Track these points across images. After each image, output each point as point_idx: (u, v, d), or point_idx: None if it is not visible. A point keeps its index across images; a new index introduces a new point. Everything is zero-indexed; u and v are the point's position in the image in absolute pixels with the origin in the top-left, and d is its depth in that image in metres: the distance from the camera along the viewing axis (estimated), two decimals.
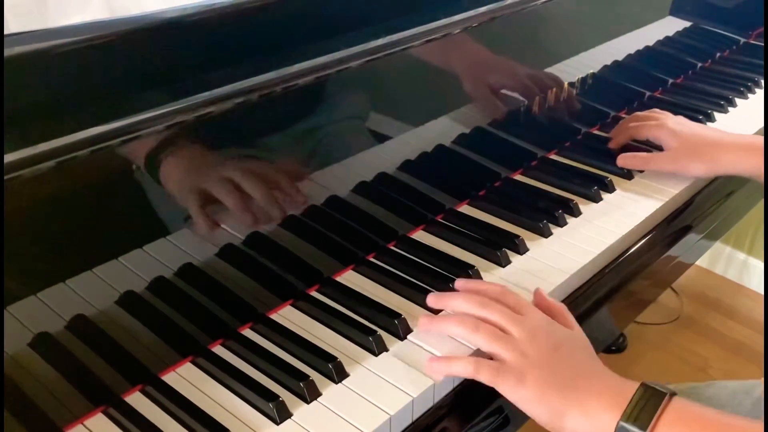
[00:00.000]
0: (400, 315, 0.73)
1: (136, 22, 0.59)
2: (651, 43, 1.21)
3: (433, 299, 0.75)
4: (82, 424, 0.63)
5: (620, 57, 1.15)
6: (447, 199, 0.93)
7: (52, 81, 0.57)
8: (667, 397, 0.61)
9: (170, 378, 0.68)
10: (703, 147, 0.95)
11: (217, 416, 0.64)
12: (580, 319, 0.80)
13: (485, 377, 0.65)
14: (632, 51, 1.17)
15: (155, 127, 0.60)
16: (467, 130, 0.95)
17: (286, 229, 0.77)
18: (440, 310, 0.75)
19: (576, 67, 1.07)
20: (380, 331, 0.72)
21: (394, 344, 0.71)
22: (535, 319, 0.69)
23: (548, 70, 1.03)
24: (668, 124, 0.99)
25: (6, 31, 0.54)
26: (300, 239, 0.79)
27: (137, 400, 0.66)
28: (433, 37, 0.80)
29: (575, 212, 0.92)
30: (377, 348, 0.70)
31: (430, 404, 0.68)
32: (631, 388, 0.63)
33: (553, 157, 1.05)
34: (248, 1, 0.65)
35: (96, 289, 0.64)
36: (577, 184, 0.96)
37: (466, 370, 0.66)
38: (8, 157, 0.53)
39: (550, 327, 0.69)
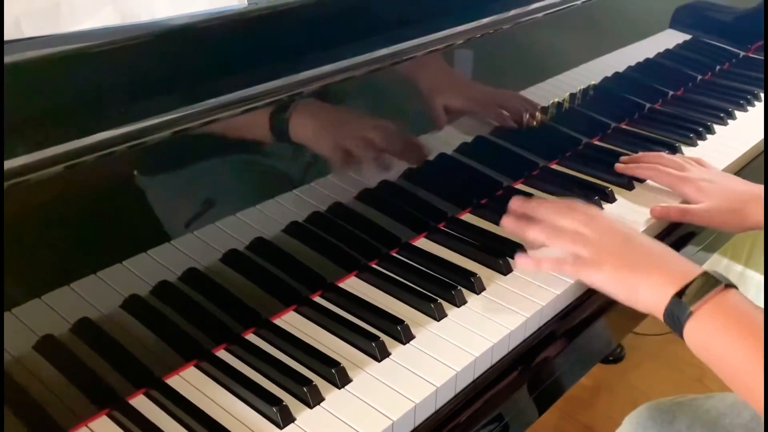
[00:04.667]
0: (403, 321, 0.74)
1: (147, 29, 0.59)
2: (651, 55, 1.22)
3: (518, 202, 0.85)
4: (87, 426, 0.64)
5: (621, 69, 1.16)
6: (449, 207, 0.94)
7: (64, 85, 0.58)
8: (721, 286, 0.68)
9: (174, 381, 0.68)
10: (732, 204, 0.93)
11: (221, 420, 0.64)
12: (579, 329, 0.81)
13: (569, 270, 0.78)
14: (633, 63, 1.18)
15: (161, 134, 0.61)
16: (469, 139, 0.95)
17: (290, 236, 0.77)
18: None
19: (577, 79, 1.08)
20: (383, 337, 0.72)
21: (396, 349, 0.72)
22: (603, 218, 0.80)
23: (549, 81, 1.04)
24: (694, 179, 0.95)
25: (20, 35, 0.55)
26: (304, 245, 0.79)
27: (141, 403, 0.66)
28: (434, 48, 0.81)
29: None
30: (380, 353, 0.71)
31: (432, 410, 0.68)
32: (696, 271, 0.70)
33: (555, 166, 1.06)
34: (257, 9, 0.65)
35: (101, 293, 0.64)
36: (579, 193, 0.96)
37: (549, 266, 0.79)
38: (17, 161, 0.54)
39: (618, 222, 0.80)
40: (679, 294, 0.68)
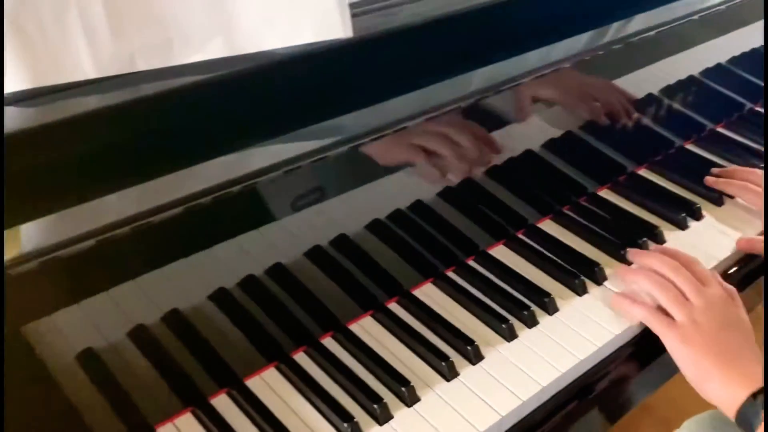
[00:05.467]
0: (474, 342, 0.76)
1: (255, 61, 0.61)
2: (757, 45, 1.14)
3: (632, 254, 0.86)
4: (173, 423, 0.69)
5: (723, 59, 1.11)
6: (530, 213, 0.94)
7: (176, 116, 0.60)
8: None
9: (254, 383, 0.72)
10: None
11: (293, 428, 0.68)
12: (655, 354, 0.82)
13: (656, 326, 0.77)
14: (737, 53, 1.12)
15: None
16: (558, 134, 0.94)
17: (372, 233, 0.79)
18: None
19: (675, 69, 1.04)
20: (453, 356, 0.74)
21: (465, 369, 0.74)
22: (714, 294, 0.78)
23: (646, 69, 0.99)
24: None
25: (133, 69, 0.57)
26: (384, 245, 0.81)
27: (222, 402, 0.71)
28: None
29: (659, 239, 0.91)
30: (449, 374, 0.73)
31: None
32: None
33: (643, 172, 1.03)
34: (366, 36, 0.65)
35: (190, 281, 0.68)
36: (665, 207, 0.95)
37: (641, 314, 0.78)
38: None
39: (724, 305, 0.78)
40: (754, 395, 0.68)
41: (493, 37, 0.80)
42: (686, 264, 0.81)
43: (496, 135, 0.86)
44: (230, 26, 0.59)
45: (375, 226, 0.80)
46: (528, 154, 0.92)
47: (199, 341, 0.71)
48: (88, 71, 0.55)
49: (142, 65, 0.56)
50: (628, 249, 0.87)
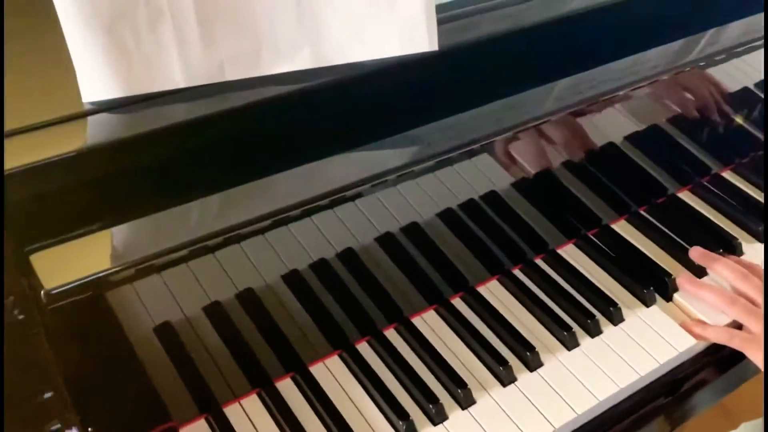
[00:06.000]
0: (534, 348, 0.76)
1: (342, 72, 0.61)
2: None
3: (699, 255, 0.85)
4: (239, 402, 0.72)
5: None
6: (605, 211, 0.92)
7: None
8: None
9: (317, 369, 0.75)
10: None
11: (349, 418, 0.71)
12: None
13: (737, 344, 0.76)
14: None
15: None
16: (642, 128, 0.92)
17: (444, 222, 0.79)
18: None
19: None
20: (512, 361, 0.76)
21: (523, 375, 0.75)
22: None
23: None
24: None
25: (221, 79, 0.58)
26: (453, 236, 0.82)
27: (286, 386, 0.74)
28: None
29: (737, 252, 0.89)
30: (506, 379, 0.74)
31: None
32: None
33: (727, 175, 1.00)
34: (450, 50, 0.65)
35: (266, 258, 0.69)
36: (746, 216, 0.92)
37: (720, 336, 0.78)
38: None
39: None
40: None
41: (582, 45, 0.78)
42: (753, 270, 0.82)
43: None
44: (318, 38, 0.59)
45: (446, 215, 0.80)
46: (609, 146, 0.90)
47: (269, 323, 0.74)
48: (179, 81, 0.56)
49: (231, 75, 0.57)
50: (694, 247, 0.86)
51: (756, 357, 0.75)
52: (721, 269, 0.83)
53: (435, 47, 0.63)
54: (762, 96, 1.00)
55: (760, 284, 0.80)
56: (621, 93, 0.83)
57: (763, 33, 0.89)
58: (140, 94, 0.55)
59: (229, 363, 0.72)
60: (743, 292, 0.81)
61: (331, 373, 0.75)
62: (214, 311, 0.69)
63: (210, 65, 0.56)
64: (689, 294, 0.83)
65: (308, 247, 0.72)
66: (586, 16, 0.78)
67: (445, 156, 0.72)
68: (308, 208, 0.67)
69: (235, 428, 0.70)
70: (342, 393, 0.74)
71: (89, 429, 0.61)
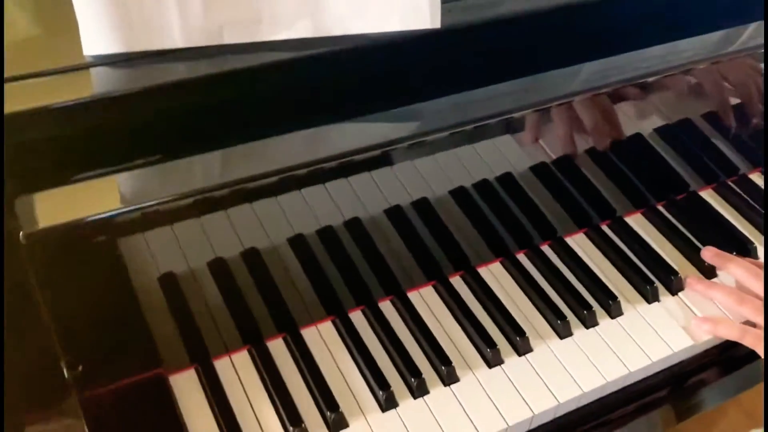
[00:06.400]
0: (524, 333, 0.76)
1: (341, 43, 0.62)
2: None
3: (711, 255, 0.84)
4: (229, 357, 0.75)
5: None
6: (622, 203, 0.91)
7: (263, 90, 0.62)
8: None
9: (309, 333, 0.77)
10: None
11: (333, 383, 0.72)
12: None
13: (750, 341, 0.76)
14: None
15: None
16: (672, 121, 0.90)
17: (455, 200, 0.80)
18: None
19: None
20: (501, 344, 0.76)
21: (511, 359, 0.75)
22: None
23: None
24: None
25: (219, 42, 0.59)
26: (463, 215, 0.82)
27: (277, 346, 0.76)
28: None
29: (752, 255, 0.87)
30: (492, 361, 0.75)
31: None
32: None
33: (754, 177, 0.97)
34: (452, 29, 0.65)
35: (274, 218, 0.71)
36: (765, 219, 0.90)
37: (731, 333, 0.77)
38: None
39: None
40: None
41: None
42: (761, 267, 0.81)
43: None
44: (319, 8, 0.60)
45: (458, 193, 0.80)
46: (636, 137, 0.88)
47: (269, 283, 0.75)
48: (178, 41, 0.58)
49: (229, 39, 0.59)
50: (707, 247, 0.85)
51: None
52: (734, 269, 0.82)
53: (437, 25, 0.63)
54: None
55: None
56: (650, 80, 0.81)
57: None
58: (140, 51, 0.57)
59: (226, 318, 0.75)
60: (755, 292, 0.80)
61: (322, 337, 0.77)
62: (218, 267, 0.72)
63: (209, 28, 0.58)
64: (699, 293, 0.82)
65: (318, 213, 0.74)
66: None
67: (459, 129, 0.72)
68: (314, 170, 0.67)
69: (222, 381, 0.72)
70: (329, 357, 0.75)
71: (79, 367, 0.65)
